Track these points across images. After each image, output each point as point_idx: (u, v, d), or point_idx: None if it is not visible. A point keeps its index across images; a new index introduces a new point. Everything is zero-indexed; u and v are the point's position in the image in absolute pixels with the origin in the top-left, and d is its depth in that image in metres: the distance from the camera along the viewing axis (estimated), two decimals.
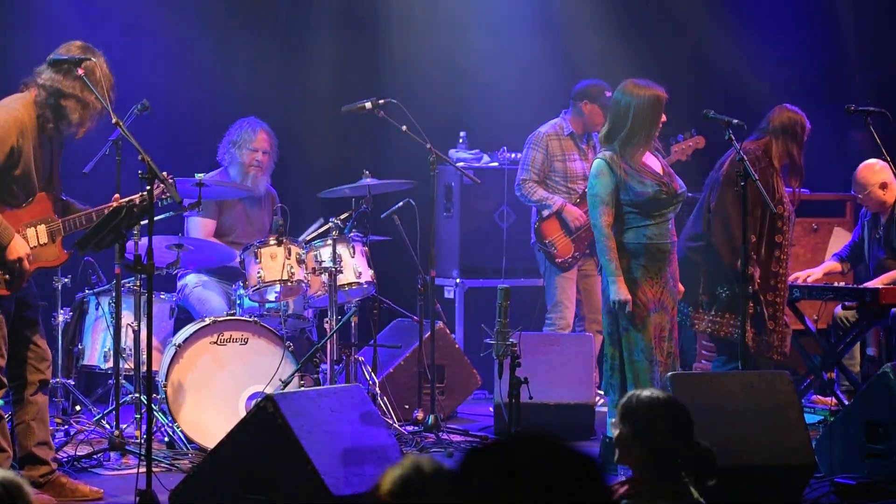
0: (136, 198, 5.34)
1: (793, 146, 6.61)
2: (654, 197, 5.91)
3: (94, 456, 5.99)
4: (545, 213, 7.63)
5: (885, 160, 6.77)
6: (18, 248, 5.16)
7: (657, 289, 5.97)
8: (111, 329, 6.57)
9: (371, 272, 6.93)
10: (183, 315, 7.16)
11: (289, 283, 6.64)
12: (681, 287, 6.17)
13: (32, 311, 5.40)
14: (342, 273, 6.76)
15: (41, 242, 5.24)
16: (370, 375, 6.95)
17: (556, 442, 1.94)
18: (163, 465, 5.89)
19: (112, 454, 5.99)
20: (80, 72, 5.16)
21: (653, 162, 6.07)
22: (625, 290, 5.85)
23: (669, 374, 5.41)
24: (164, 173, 5.20)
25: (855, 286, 7.32)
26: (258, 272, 6.61)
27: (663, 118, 6.07)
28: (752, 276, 6.31)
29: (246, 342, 6.47)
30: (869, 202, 7.58)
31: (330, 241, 6.77)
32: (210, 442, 5.84)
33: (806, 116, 6.71)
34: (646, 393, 3.75)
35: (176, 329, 6.89)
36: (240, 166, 7.25)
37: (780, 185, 6.57)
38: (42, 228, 5.24)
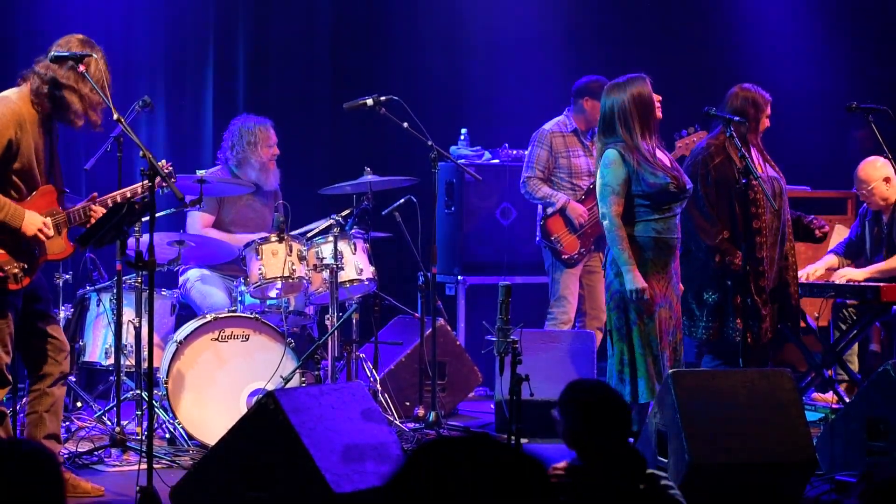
0: (138, 187, 5.36)
1: (744, 128, 6.38)
2: (665, 189, 5.91)
3: (96, 452, 5.99)
4: (549, 210, 7.63)
5: (886, 157, 6.76)
6: (33, 221, 5.13)
7: (663, 283, 5.98)
8: (112, 326, 6.58)
9: (372, 269, 6.93)
10: (184, 311, 7.16)
11: (290, 280, 6.64)
12: (680, 286, 6.18)
13: (43, 303, 5.39)
14: (343, 270, 6.76)
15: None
16: (371, 372, 6.95)
17: (495, 443, 1.95)
18: (164, 461, 5.89)
19: (113, 451, 5.99)
20: (82, 68, 5.15)
21: (662, 156, 6.08)
22: (640, 279, 5.86)
23: (671, 371, 5.41)
24: (163, 161, 5.19)
25: (856, 283, 7.32)
26: (259, 269, 6.61)
27: (658, 99, 6.07)
28: (733, 263, 6.29)
29: (247, 339, 6.47)
30: (871, 199, 7.56)
31: (331, 238, 6.77)
32: (211, 439, 5.85)
33: (762, 91, 6.54)
34: (586, 385, 3.81)
35: (177, 326, 6.90)
36: (259, 163, 7.24)
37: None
38: (48, 221, 5.23)
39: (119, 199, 5.37)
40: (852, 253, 7.70)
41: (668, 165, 6.06)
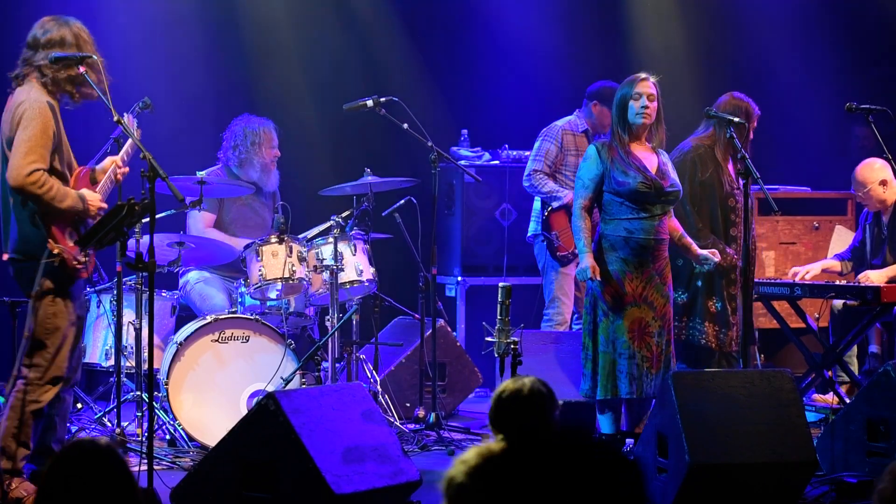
0: (114, 161, 5.41)
1: (737, 135, 6.39)
2: (636, 189, 5.92)
3: None
4: (555, 204, 7.57)
5: (886, 158, 6.76)
6: (93, 200, 5.21)
7: (637, 283, 5.96)
8: (112, 327, 6.58)
9: (372, 270, 6.94)
10: (185, 313, 7.16)
11: (290, 281, 6.64)
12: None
13: (80, 305, 5.42)
14: (343, 271, 6.77)
15: None
16: (371, 373, 6.95)
17: None
18: (164, 463, 5.90)
19: None
20: (82, 69, 5.16)
21: (649, 158, 6.07)
22: (589, 261, 5.90)
23: (671, 372, 5.41)
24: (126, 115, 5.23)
25: (857, 284, 7.32)
26: (259, 270, 6.61)
27: (650, 91, 6.04)
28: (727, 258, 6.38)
29: (247, 340, 6.47)
30: (869, 201, 7.58)
31: (331, 239, 6.77)
32: (211, 440, 5.84)
33: (753, 102, 6.65)
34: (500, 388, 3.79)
35: (177, 327, 6.90)
36: (261, 164, 7.24)
37: (730, 177, 6.54)
38: (98, 196, 5.30)
39: (121, 163, 5.45)
40: (857, 258, 7.69)
41: (651, 168, 6.02)
